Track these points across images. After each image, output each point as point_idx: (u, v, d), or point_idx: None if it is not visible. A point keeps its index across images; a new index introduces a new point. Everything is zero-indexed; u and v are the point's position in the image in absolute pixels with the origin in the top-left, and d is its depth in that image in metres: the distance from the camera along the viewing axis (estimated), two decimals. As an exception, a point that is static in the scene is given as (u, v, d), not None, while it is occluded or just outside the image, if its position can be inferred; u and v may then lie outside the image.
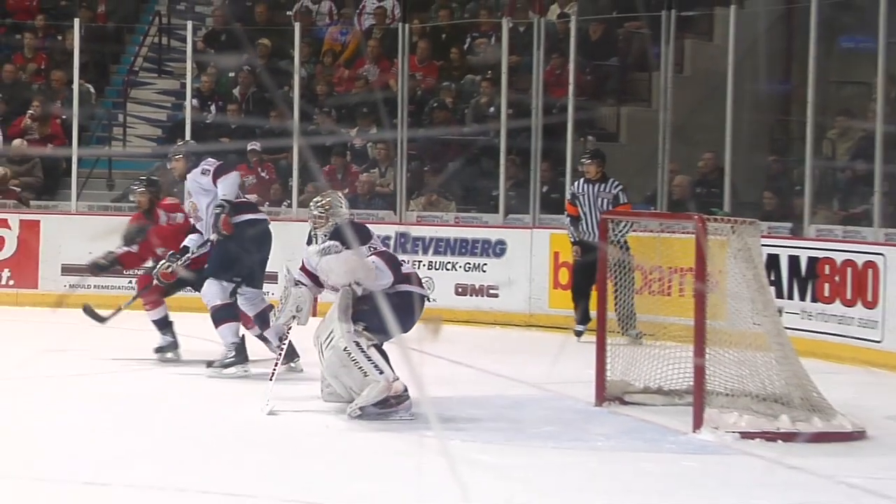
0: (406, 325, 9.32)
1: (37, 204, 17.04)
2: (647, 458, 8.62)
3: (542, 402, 10.23)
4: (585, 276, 13.43)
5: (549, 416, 9.74)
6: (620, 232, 12.11)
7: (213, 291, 11.19)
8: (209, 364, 11.17)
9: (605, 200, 13.69)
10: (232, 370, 11.07)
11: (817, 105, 14.09)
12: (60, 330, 13.27)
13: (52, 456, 8.35)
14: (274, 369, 9.65)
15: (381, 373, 9.05)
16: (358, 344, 9.10)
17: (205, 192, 11.34)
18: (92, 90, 17.89)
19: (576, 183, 14.12)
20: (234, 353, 11.10)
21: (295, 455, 8.47)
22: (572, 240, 13.88)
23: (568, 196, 14.21)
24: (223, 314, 11.17)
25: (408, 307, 9.35)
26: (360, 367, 9.08)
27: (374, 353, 9.13)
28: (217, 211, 11.19)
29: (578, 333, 13.70)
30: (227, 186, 11.24)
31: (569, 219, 13.97)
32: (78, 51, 16.91)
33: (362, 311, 9.22)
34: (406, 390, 9.15)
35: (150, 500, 7.41)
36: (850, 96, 15.55)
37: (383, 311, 9.08)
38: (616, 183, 13.84)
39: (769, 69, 16.84)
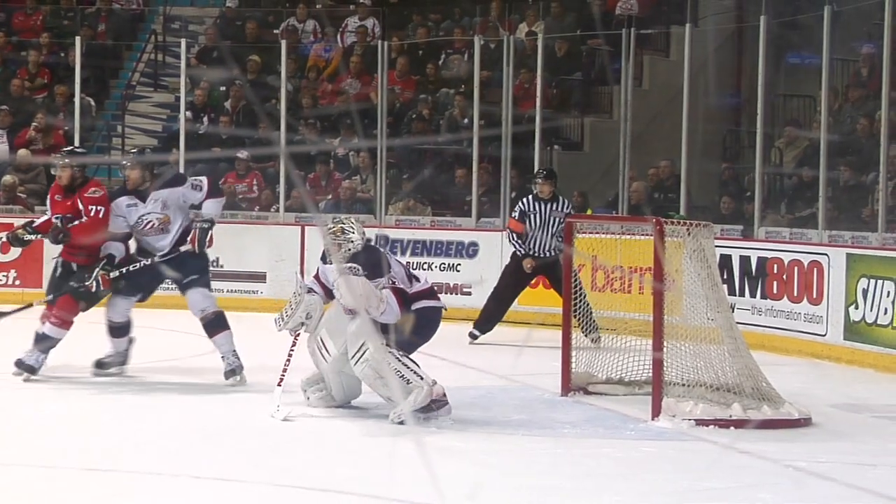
0: (427, 338, 9.19)
1: (41, 209, 16.95)
2: (609, 443, 8.62)
3: (511, 392, 10.22)
4: (514, 287, 13.10)
5: (518, 405, 9.73)
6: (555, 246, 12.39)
7: (206, 298, 10.47)
8: (229, 375, 10.29)
9: (558, 220, 12.82)
10: (237, 378, 10.36)
11: (766, 116, 14.13)
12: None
13: (54, 443, 8.32)
14: (282, 375, 9.17)
15: (422, 378, 8.96)
16: (394, 354, 8.97)
17: (185, 207, 10.54)
18: (92, 103, 17.83)
19: (525, 200, 13.17)
20: (238, 359, 10.35)
21: (283, 443, 8.44)
22: (521, 253, 12.95)
23: (515, 213, 13.16)
24: (220, 322, 10.40)
25: (426, 322, 9.18)
26: (401, 376, 8.83)
27: (409, 361, 8.97)
28: (206, 227, 10.46)
29: (474, 336, 13.05)
30: (218, 207, 10.65)
31: (514, 235, 13.04)
32: (79, 66, 16.85)
33: (386, 329, 9.04)
34: (445, 394, 9.05)
35: (146, 484, 7.38)
36: (797, 108, 15.58)
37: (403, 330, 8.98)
38: (567, 203, 13.24)
39: (721, 83, 16.87)
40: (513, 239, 13.06)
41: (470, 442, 8.51)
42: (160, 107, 18.90)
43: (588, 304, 10.77)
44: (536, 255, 12.92)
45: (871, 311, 12.06)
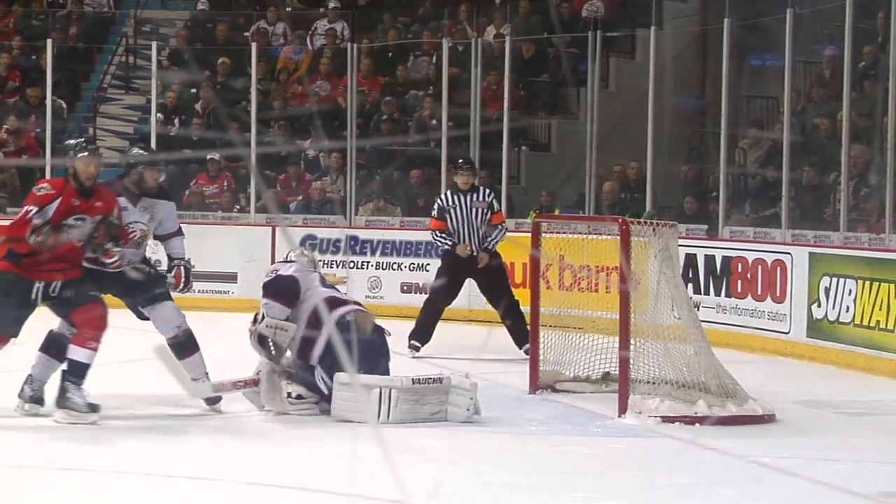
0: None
1: (13, 211, 16.90)
2: (577, 440, 8.64)
3: (479, 390, 10.22)
4: (449, 290, 12.32)
5: (486, 403, 9.69)
6: (493, 239, 12.03)
7: (179, 314, 9.31)
8: (212, 403, 9.25)
9: (480, 210, 12.07)
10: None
11: (730, 118, 14.19)
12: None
13: (25, 443, 8.30)
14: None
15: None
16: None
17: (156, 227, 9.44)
18: (64, 105, 17.78)
19: (444, 196, 12.40)
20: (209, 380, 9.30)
21: (253, 443, 8.43)
22: (450, 245, 12.07)
23: (434, 211, 12.32)
24: (193, 342, 9.29)
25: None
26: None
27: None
28: (190, 267, 9.46)
29: (416, 348, 12.14)
30: (184, 246, 9.62)
31: (437, 234, 12.17)
32: (51, 69, 16.81)
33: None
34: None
35: (119, 483, 7.39)
36: (760, 109, 15.65)
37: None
38: (488, 191, 12.41)
39: (686, 85, 16.93)
40: (437, 237, 12.23)
41: (436, 439, 8.49)
42: (131, 109, 18.85)
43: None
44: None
45: (834, 308, 12.11)
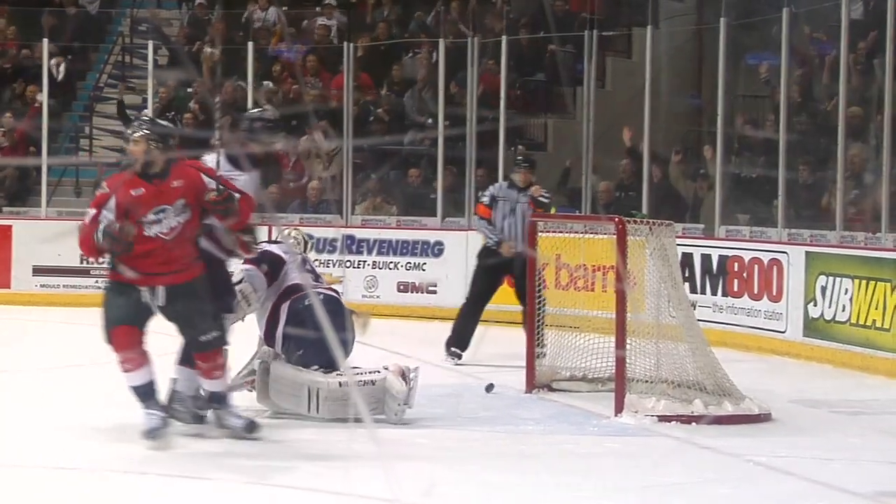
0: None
1: (9, 210, 16.92)
2: (573, 440, 8.64)
3: (476, 389, 10.22)
4: (486, 293, 11.98)
5: (483, 403, 9.74)
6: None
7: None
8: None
9: (526, 208, 11.73)
10: None
11: (726, 116, 14.20)
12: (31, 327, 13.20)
13: (12, 441, 8.29)
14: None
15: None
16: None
17: None
18: (60, 105, 17.77)
19: (498, 185, 12.30)
20: None
21: (246, 442, 8.37)
22: (492, 241, 11.84)
23: (485, 198, 12.10)
24: None
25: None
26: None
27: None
28: None
29: (458, 356, 11.86)
30: None
31: (486, 223, 11.89)
32: (46, 68, 16.80)
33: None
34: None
35: (114, 483, 7.38)
36: (755, 108, 15.64)
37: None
38: (544, 192, 12.10)
39: (682, 84, 16.92)
40: (485, 228, 11.91)
41: (431, 439, 8.49)
42: (127, 108, 18.81)
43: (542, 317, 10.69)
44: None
45: (830, 308, 12.12)
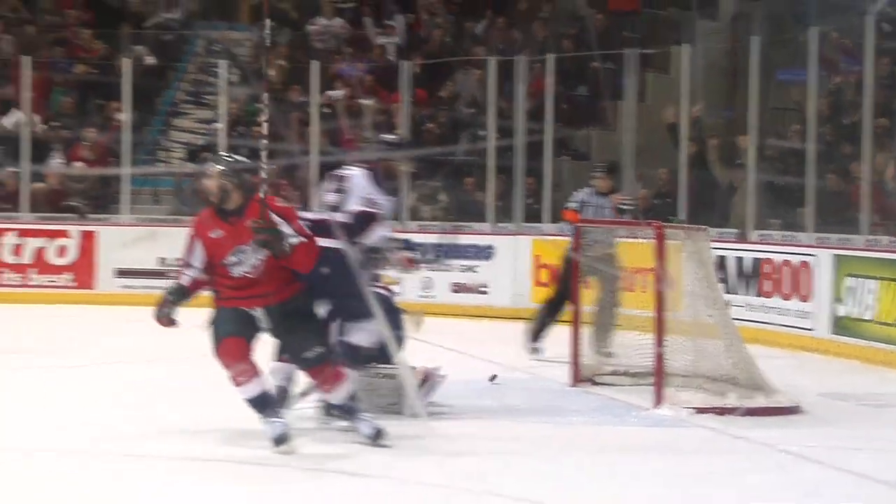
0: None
1: (94, 217, 17.03)
2: (614, 430, 8.59)
3: (523, 383, 10.19)
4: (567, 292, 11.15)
5: (529, 395, 9.70)
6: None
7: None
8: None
9: (609, 214, 11.48)
10: None
11: (758, 128, 14.11)
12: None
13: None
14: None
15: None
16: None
17: None
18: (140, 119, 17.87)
19: (584, 191, 11.76)
20: None
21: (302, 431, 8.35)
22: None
23: (572, 204, 11.66)
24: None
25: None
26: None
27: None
28: None
29: (539, 350, 11.71)
30: None
31: (571, 227, 11.00)
32: (127, 85, 16.91)
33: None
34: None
35: (121, 465, 7.29)
36: (786, 120, 15.53)
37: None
38: (628, 199, 11.89)
39: (716, 98, 16.81)
40: (569, 232, 11.06)
41: (480, 429, 8.43)
42: (201, 122, 18.90)
43: (614, 320, 10.54)
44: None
45: (856, 307, 12.01)
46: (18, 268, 16.36)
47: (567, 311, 11.16)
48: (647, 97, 17.14)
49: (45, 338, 12.91)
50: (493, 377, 10.07)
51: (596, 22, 17.71)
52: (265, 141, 7.70)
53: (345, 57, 18.90)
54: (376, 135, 9.22)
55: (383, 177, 8.54)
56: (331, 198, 8.42)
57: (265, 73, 16.89)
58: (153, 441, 7.82)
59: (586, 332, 10.44)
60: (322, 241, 7.68)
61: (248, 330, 7.33)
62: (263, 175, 7.58)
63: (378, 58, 18.41)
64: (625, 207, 11.68)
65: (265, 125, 7.80)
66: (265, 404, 7.29)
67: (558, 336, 11.25)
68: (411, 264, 8.70)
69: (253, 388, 7.23)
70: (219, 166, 7.48)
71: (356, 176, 8.39)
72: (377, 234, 8.31)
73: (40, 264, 16.40)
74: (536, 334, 11.79)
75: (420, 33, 19.17)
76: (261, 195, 7.28)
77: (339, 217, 8.23)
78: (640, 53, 15.96)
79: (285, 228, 7.28)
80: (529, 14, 18.81)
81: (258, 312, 7.31)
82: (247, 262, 7.28)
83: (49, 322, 14.32)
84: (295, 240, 7.28)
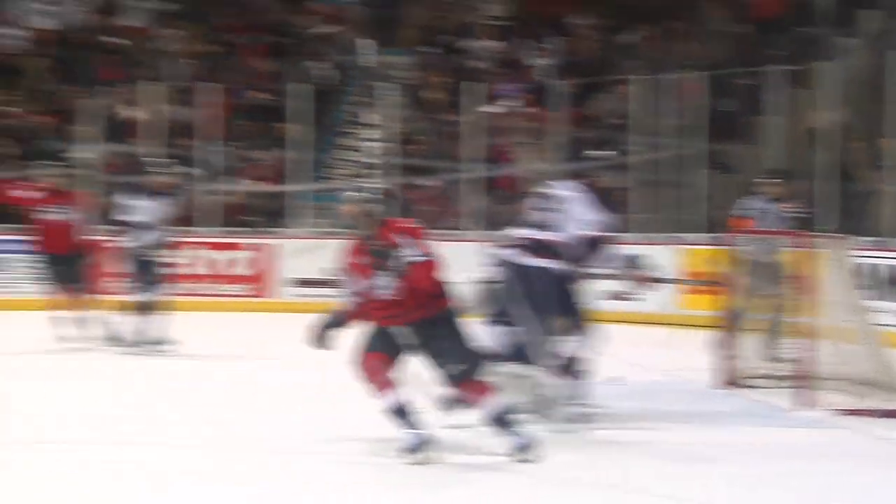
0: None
1: (267, 231, 17.37)
2: (760, 431, 8.49)
3: (671, 385, 10.13)
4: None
5: (676, 397, 9.63)
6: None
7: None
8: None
9: (777, 221, 11.12)
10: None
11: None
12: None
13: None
14: None
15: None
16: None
17: None
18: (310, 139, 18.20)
19: (754, 198, 11.41)
20: None
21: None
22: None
23: (746, 211, 11.30)
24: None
25: None
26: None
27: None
28: None
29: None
30: None
31: (741, 234, 10.62)
32: (293, 109, 17.25)
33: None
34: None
35: (142, 454, 7.30)
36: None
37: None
38: (794, 207, 11.43)
39: (855, 112, 16.51)
40: (741, 241, 10.64)
41: (624, 433, 8.27)
42: (367, 142, 19.16)
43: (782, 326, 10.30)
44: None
45: None
46: (201, 278, 16.74)
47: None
48: (790, 111, 16.92)
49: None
50: (617, 378, 9.92)
51: (739, 38, 17.55)
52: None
53: (500, 77, 19.00)
54: (580, 151, 8.88)
55: (596, 194, 8.23)
56: (537, 216, 8.20)
57: (423, 95, 17.24)
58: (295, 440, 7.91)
59: (750, 338, 10.22)
60: (529, 260, 7.76)
61: (391, 348, 7.31)
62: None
63: (531, 78, 18.47)
64: (792, 214, 11.32)
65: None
66: (400, 415, 7.30)
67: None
68: (645, 281, 8.53)
69: (388, 401, 7.27)
70: (357, 193, 7.31)
71: (570, 196, 8.12)
72: (604, 255, 8.12)
73: (222, 276, 16.77)
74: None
75: (571, 56, 19.20)
76: (383, 219, 7.22)
77: (552, 237, 8.06)
78: (783, 70, 15.76)
79: (408, 249, 7.16)
80: (680, 29, 18.73)
81: (403, 330, 7.27)
82: (386, 283, 7.23)
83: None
84: (413, 259, 7.14)
